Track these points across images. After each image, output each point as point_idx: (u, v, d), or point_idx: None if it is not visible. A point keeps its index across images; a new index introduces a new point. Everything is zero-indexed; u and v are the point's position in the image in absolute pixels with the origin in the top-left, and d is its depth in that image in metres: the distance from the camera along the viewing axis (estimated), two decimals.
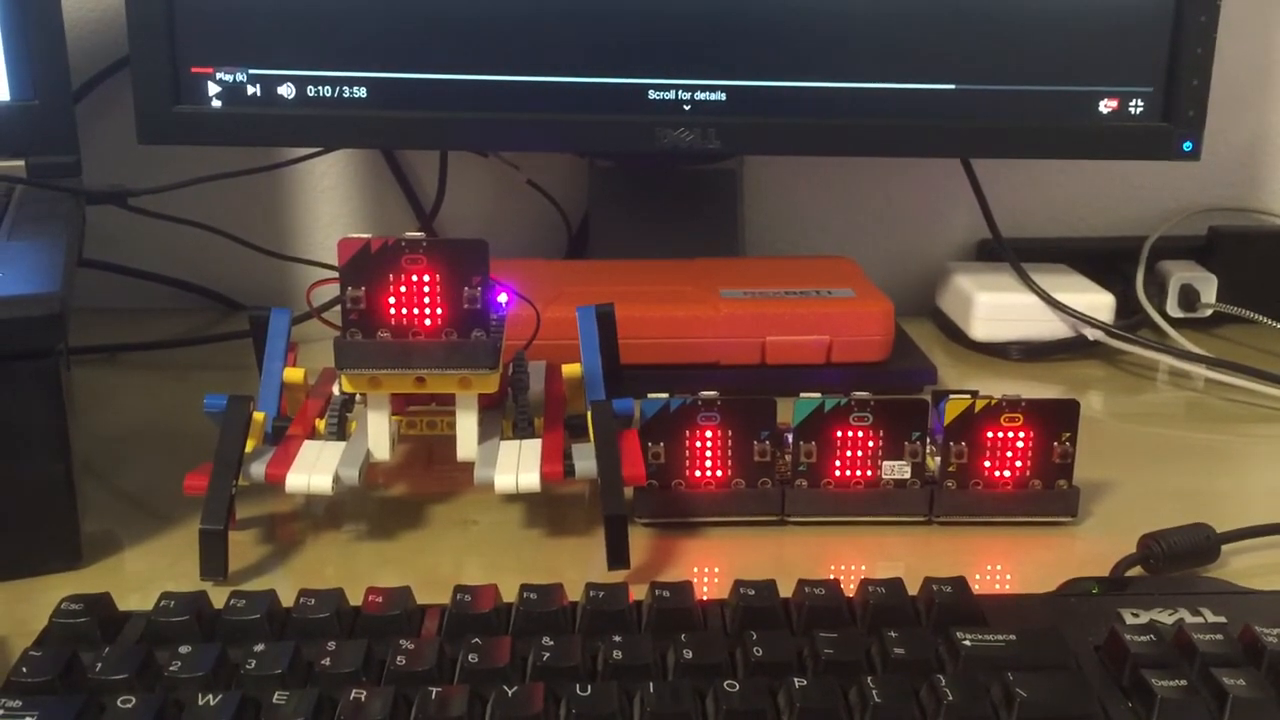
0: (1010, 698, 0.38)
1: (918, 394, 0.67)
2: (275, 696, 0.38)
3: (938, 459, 0.55)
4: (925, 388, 0.71)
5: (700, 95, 0.73)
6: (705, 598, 0.45)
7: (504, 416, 0.56)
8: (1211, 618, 0.44)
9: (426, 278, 0.50)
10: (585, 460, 0.52)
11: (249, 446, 0.52)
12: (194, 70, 0.71)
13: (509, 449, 0.53)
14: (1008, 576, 0.52)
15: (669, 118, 0.73)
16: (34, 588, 0.48)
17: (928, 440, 0.54)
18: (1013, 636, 0.41)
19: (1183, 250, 0.87)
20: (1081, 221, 0.93)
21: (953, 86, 0.74)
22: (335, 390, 0.56)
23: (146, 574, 0.50)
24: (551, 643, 0.40)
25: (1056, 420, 0.54)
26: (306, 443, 0.53)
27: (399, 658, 0.40)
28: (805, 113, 0.74)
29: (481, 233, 0.71)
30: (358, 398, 0.55)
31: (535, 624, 0.42)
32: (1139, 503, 0.58)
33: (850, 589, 0.45)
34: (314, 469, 0.51)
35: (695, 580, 0.46)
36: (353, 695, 0.38)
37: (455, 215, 0.90)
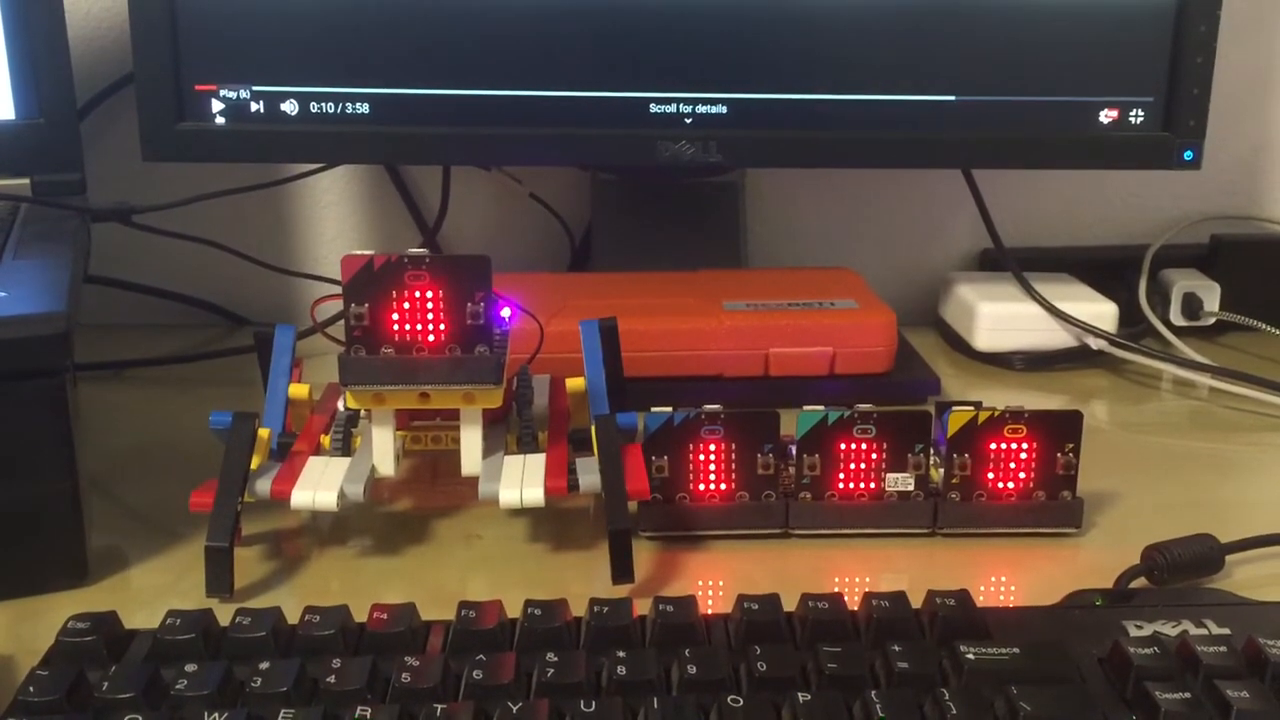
0: (1014, 711, 0.38)
1: (921, 405, 0.67)
2: (281, 714, 0.38)
3: (941, 471, 0.55)
4: (929, 399, 0.71)
5: (701, 109, 0.73)
6: (709, 612, 0.45)
7: (508, 431, 0.56)
8: (1215, 629, 0.44)
9: (430, 294, 0.50)
10: (589, 475, 0.52)
11: (254, 463, 0.52)
12: (198, 88, 0.71)
13: (513, 464, 0.53)
14: (1011, 589, 0.52)
15: (670, 131, 0.73)
16: (40, 605, 0.48)
17: (931, 452, 0.54)
18: (1016, 649, 0.41)
19: (1185, 259, 0.87)
20: (1083, 231, 0.93)
21: (953, 98, 0.74)
22: (340, 406, 0.56)
23: (152, 590, 0.50)
24: (556, 659, 0.41)
25: (1060, 431, 0.54)
26: (311, 459, 0.54)
27: (404, 675, 0.40)
28: (806, 125, 0.74)
29: (484, 247, 0.71)
30: (362, 413, 0.55)
31: (540, 640, 0.42)
32: (1143, 513, 0.58)
33: (854, 602, 0.45)
34: (319, 485, 0.51)
35: (699, 594, 0.46)
36: (358, 713, 0.38)
37: (458, 230, 0.90)
